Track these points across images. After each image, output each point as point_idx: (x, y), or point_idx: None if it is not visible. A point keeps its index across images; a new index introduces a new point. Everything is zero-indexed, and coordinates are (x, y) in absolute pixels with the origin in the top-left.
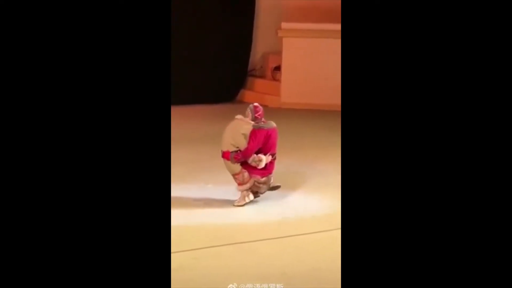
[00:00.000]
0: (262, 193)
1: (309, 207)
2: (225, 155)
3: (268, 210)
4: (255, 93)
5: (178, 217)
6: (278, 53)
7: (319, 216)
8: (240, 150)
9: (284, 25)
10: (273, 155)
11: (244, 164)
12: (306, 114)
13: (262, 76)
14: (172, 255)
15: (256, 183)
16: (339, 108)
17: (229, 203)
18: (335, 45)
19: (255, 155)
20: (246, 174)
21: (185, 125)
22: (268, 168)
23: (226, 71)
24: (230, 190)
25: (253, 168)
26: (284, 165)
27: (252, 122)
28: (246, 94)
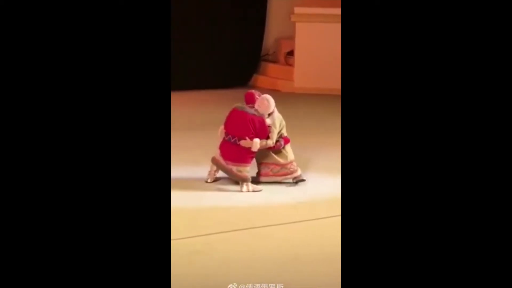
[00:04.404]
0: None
1: (322, 191)
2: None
3: (281, 194)
4: (268, 78)
5: (192, 200)
6: (291, 38)
7: (332, 200)
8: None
9: (297, 9)
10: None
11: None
12: (319, 98)
13: (275, 61)
14: (183, 240)
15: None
16: None
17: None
18: None
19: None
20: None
21: (200, 110)
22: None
23: (239, 56)
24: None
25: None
26: (297, 149)
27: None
28: (259, 79)
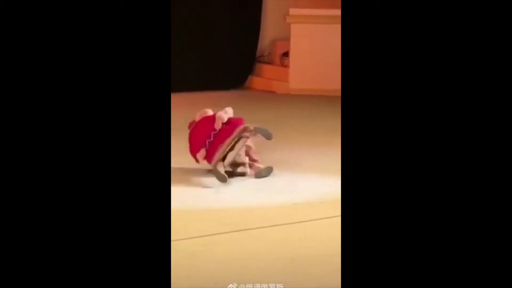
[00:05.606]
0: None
1: (322, 191)
2: None
3: (280, 194)
4: (263, 79)
5: (192, 201)
6: (287, 39)
7: (332, 200)
8: None
9: (292, 11)
10: None
11: None
12: (315, 99)
13: (270, 62)
14: (183, 241)
15: None
16: None
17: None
18: None
19: None
20: None
21: (194, 111)
22: None
23: (234, 58)
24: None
25: None
26: (295, 150)
27: None
28: (254, 80)
